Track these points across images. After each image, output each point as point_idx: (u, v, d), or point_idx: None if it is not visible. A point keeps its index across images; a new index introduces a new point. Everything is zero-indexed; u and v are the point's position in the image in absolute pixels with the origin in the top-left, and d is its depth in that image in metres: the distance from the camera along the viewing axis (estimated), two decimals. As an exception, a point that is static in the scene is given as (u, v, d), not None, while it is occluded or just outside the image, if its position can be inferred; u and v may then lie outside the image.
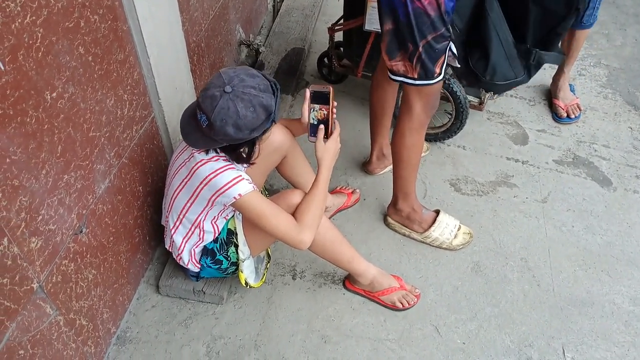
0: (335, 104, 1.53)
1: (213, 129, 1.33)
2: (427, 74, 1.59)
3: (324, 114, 1.52)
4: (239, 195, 1.41)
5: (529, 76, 1.72)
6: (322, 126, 1.53)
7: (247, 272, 1.66)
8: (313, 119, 1.54)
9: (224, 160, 1.45)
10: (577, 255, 1.99)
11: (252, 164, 1.53)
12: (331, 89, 1.52)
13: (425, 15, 1.48)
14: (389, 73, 1.66)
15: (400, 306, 1.79)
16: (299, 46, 2.91)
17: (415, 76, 1.60)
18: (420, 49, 1.53)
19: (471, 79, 1.77)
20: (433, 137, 2.38)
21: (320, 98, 1.52)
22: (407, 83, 1.63)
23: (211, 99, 1.31)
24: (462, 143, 2.43)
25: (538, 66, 1.73)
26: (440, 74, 1.61)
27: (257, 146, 1.49)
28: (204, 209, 1.53)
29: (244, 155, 1.48)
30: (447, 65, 1.63)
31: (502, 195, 2.21)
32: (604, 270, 1.95)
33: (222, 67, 2.42)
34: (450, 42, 1.57)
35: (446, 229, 1.98)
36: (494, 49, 1.60)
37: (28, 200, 1.17)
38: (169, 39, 1.72)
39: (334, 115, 1.54)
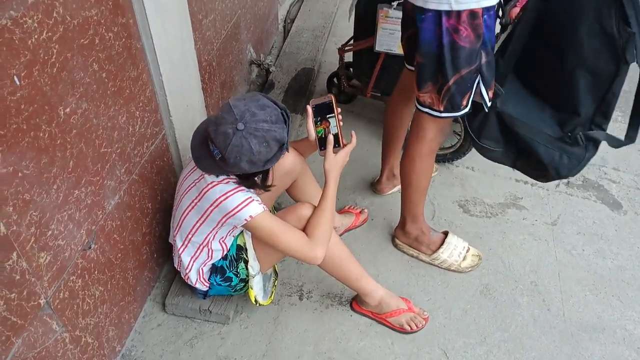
0: (339, 110, 1.52)
1: (227, 163, 1.34)
2: (453, 107, 1.58)
3: (329, 124, 1.52)
4: (250, 217, 1.42)
5: (595, 148, 1.62)
6: (331, 138, 1.51)
7: (257, 289, 1.65)
8: (320, 132, 1.53)
9: (234, 182, 1.46)
10: (587, 280, 1.97)
11: (268, 189, 1.54)
12: (332, 97, 1.51)
13: (461, 49, 1.45)
14: (416, 102, 1.64)
15: (409, 329, 1.76)
16: (309, 66, 2.93)
17: (442, 109, 1.58)
18: (451, 82, 1.51)
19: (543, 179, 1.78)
20: (442, 158, 2.38)
21: (323, 110, 1.52)
22: (433, 115, 1.61)
23: (224, 135, 1.32)
24: (471, 164, 2.42)
25: (595, 140, 1.61)
26: (466, 106, 1.59)
27: (270, 173, 1.51)
28: (212, 230, 1.53)
29: (258, 182, 1.50)
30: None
31: (511, 217, 2.19)
32: (615, 295, 1.92)
33: (233, 86, 2.46)
34: (480, 77, 1.54)
35: (455, 250, 1.96)
36: (542, 154, 1.60)
37: (38, 215, 1.17)
38: (181, 57, 1.73)
39: (341, 123, 1.53)
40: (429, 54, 1.50)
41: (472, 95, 1.57)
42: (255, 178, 1.48)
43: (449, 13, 1.41)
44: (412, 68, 1.75)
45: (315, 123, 1.53)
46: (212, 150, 1.36)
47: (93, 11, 1.26)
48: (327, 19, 3.37)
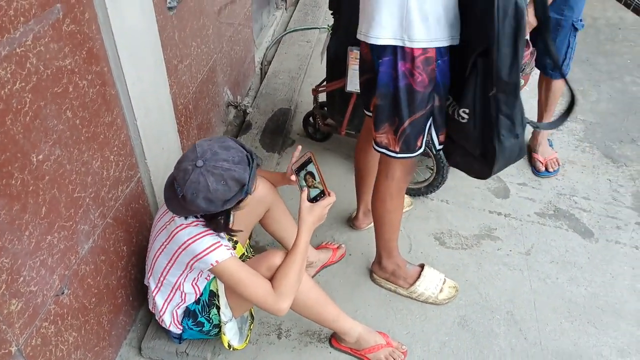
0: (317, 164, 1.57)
1: (186, 200, 1.37)
2: (409, 148, 1.63)
3: (313, 180, 1.56)
4: (216, 262, 1.42)
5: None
6: (303, 195, 1.54)
7: (230, 335, 1.64)
8: (303, 186, 1.57)
9: (203, 225, 1.47)
10: (562, 307, 2.00)
11: (233, 235, 1.55)
12: (311, 154, 1.57)
13: (416, 92, 1.51)
14: (373, 143, 1.69)
15: (387, 363, 1.77)
16: (286, 107, 3.00)
17: (397, 150, 1.64)
18: (406, 124, 1.56)
19: None
20: (416, 192, 2.42)
21: (304, 168, 1.58)
22: (389, 155, 1.67)
23: (184, 172, 1.35)
24: (445, 197, 2.47)
25: None
26: (421, 147, 1.64)
27: (233, 215, 1.52)
28: (183, 272, 1.53)
29: (222, 223, 1.49)
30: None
31: (486, 249, 2.23)
32: (590, 322, 1.95)
33: (210, 128, 2.50)
34: (432, 121, 1.60)
35: (431, 283, 1.99)
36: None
37: (10, 262, 1.18)
38: (157, 102, 1.78)
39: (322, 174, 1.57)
40: (386, 96, 1.56)
41: (425, 137, 1.63)
42: (220, 219, 1.48)
43: (404, 57, 1.48)
44: (369, 114, 1.82)
45: (300, 185, 1.59)
46: (176, 188, 1.39)
47: (67, 61, 1.31)
48: (303, 60, 3.46)
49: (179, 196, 1.38)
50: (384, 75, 1.52)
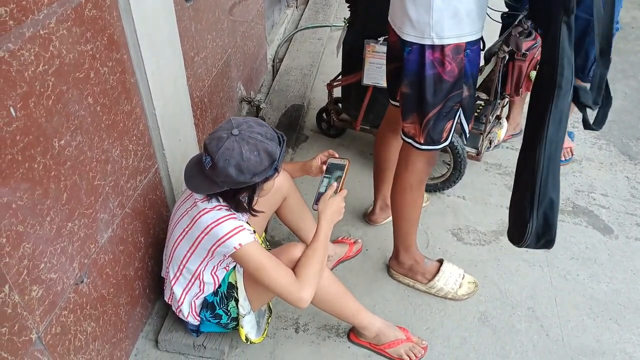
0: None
1: (216, 169, 1.34)
2: (433, 140, 1.60)
3: (335, 184, 1.56)
4: (239, 245, 1.39)
5: None
6: (331, 191, 1.54)
7: (248, 328, 1.62)
8: (324, 187, 1.57)
9: (226, 209, 1.45)
10: (584, 304, 1.96)
11: (254, 214, 1.53)
12: (348, 161, 1.58)
13: (444, 82, 1.48)
14: (401, 133, 1.67)
15: (407, 359, 1.73)
16: (298, 103, 2.98)
17: (422, 141, 1.61)
18: (431, 114, 1.54)
19: None
20: (433, 188, 2.40)
21: (335, 169, 1.59)
22: (414, 147, 1.64)
23: (218, 139, 1.34)
24: (462, 193, 2.44)
25: None
26: (446, 139, 1.61)
27: (257, 195, 1.49)
28: (204, 259, 1.51)
29: (244, 203, 1.48)
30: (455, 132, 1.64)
31: (504, 245, 2.20)
32: (612, 319, 1.91)
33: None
34: (462, 110, 1.57)
35: (450, 278, 1.95)
36: None
37: (31, 247, 1.16)
38: (174, 92, 1.76)
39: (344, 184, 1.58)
40: (413, 85, 1.53)
41: (452, 129, 1.60)
42: (242, 197, 1.46)
43: (433, 47, 1.45)
44: (395, 103, 1.79)
45: (324, 179, 1.59)
46: (204, 161, 1.37)
47: (88, 46, 1.29)
48: (315, 57, 3.44)
49: (207, 167, 1.36)
50: (412, 64, 1.49)
